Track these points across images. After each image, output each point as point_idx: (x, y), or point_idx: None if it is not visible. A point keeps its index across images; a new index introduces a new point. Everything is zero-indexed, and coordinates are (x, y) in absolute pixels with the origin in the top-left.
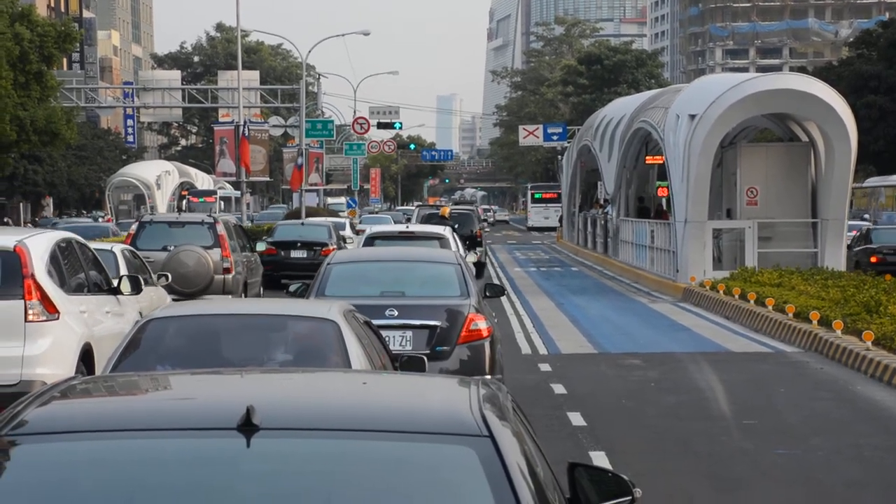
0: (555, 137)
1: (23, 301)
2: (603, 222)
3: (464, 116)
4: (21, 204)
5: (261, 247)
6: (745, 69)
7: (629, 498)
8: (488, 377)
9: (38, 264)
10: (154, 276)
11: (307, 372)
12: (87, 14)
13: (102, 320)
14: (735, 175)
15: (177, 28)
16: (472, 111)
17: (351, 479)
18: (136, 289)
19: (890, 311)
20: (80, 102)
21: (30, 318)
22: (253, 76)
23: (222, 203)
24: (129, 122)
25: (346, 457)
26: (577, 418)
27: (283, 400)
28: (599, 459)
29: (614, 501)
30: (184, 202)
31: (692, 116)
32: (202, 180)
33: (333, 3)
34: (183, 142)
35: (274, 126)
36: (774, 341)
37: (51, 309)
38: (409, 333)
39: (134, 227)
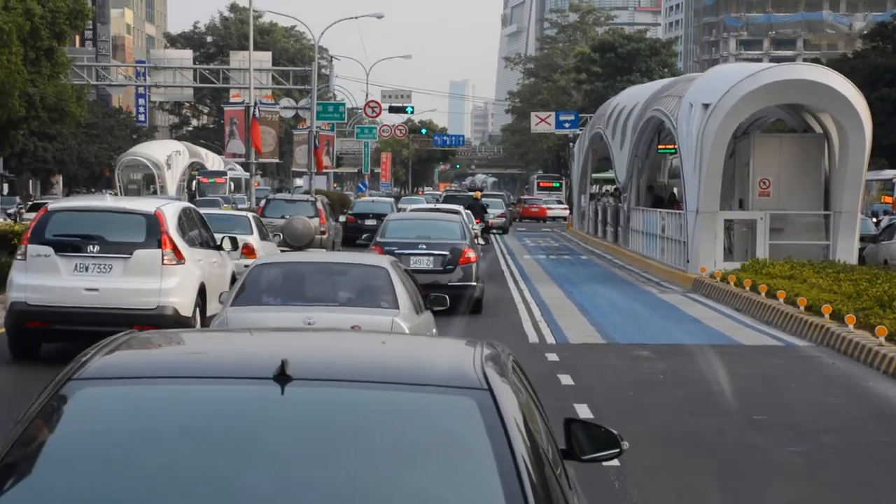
0: (567, 125)
1: (160, 250)
2: (614, 211)
3: (476, 102)
4: (30, 181)
5: (342, 218)
6: (758, 60)
7: (618, 450)
8: (494, 340)
9: (171, 224)
10: (271, 235)
11: (336, 332)
12: None
13: (211, 268)
14: (748, 166)
15: (190, 8)
16: (485, 97)
17: (368, 423)
18: (234, 247)
19: None
20: (92, 80)
21: (165, 262)
22: (265, 57)
23: (232, 184)
24: (141, 101)
25: (364, 404)
26: (583, 410)
27: (314, 355)
28: None
29: (604, 452)
30: (194, 183)
31: (706, 106)
32: (213, 161)
33: None
34: (194, 122)
35: (285, 108)
36: (785, 335)
37: (179, 256)
38: (431, 258)
39: (262, 202)
